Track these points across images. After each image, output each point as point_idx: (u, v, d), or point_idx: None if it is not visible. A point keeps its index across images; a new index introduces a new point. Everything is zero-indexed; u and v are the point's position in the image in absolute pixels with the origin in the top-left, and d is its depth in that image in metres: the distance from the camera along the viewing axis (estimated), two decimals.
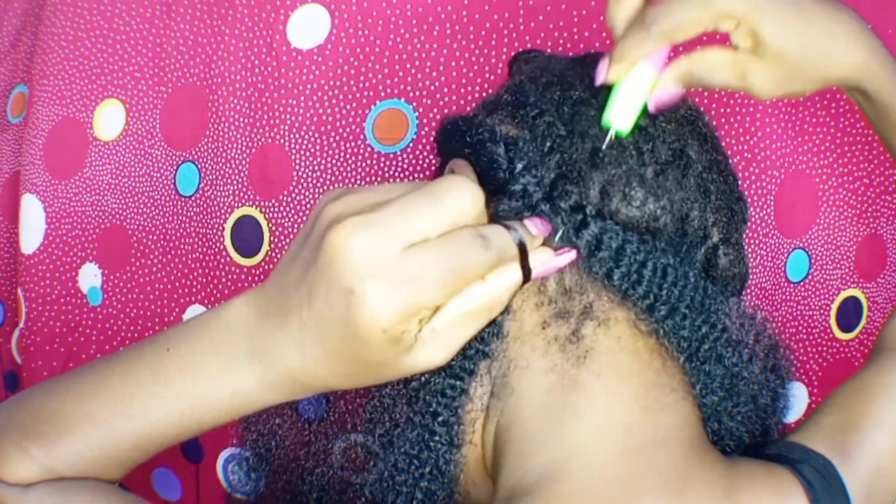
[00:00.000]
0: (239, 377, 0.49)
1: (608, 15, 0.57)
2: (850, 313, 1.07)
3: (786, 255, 1.04)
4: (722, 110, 1.01)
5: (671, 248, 0.56)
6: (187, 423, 0.51)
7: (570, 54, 0.65)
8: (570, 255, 0.53)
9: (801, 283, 1.05)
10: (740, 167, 1.02)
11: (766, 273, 1.04)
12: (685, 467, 0.53)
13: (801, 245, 1.04)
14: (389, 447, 0.56)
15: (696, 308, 0.55)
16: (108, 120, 1.08)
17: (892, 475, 0.58)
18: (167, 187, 1.07)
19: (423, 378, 0.56)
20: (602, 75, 0.55)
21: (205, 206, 1.04)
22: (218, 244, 1.03)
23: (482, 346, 0.55)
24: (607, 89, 0.56)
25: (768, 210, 1.03)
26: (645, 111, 0.55)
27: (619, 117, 0.55)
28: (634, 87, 0.55)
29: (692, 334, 0.55)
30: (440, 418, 0.55)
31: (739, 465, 0.55)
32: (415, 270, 0.44)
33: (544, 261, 0.52)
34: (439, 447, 0.55)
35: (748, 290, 1.03)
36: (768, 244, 1.03)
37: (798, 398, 1.07)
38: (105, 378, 0.52)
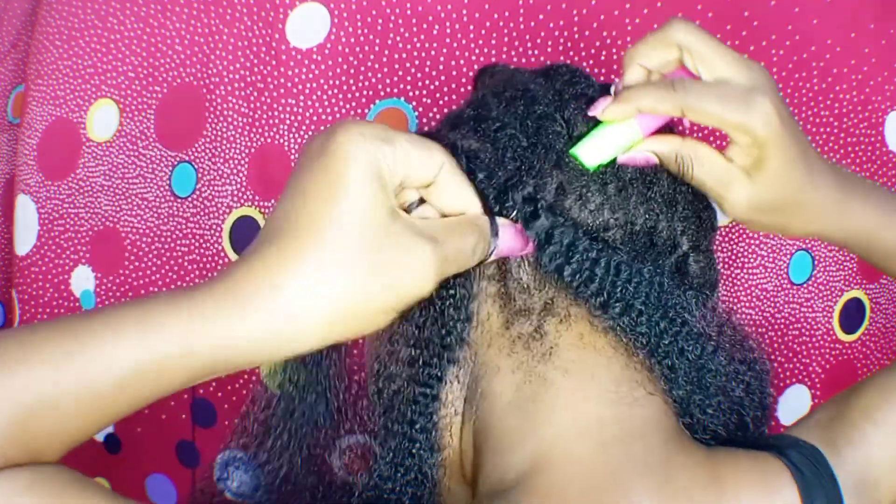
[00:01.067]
0: (210, 318, 0.44)
1: (635, 50, 0.56)
2: (852, 315, 1.07)
3: (788, 256, 1.04)
4: None
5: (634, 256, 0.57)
6: (147, 370, 0.44)
7: (568, 57, 0.65)
8: (524, 235, 0.54)
9: (804, 285, 1.05)
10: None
11: (768, 275, 1.04)
12: (666, 455, 0.53)
13: (803, 246, 1.04)
14: (373, 456, 0.57)
15: (652, 304, 0.55)
16: (102, 120, 1.07)
17: (881, 467, 0.58)
18: (162, 188, 1.06)
19: (394, 386, 0.56)
20: (599, 109, 0.56)
21: (202, 207, 1.03)
22: (216, 245, 1.03)
23: (447, 352, 0.55)
24: (580, 113, 0.58)
25: None
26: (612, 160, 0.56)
27: (589, 155, 0.55)
28: (615, 136, 0.55)
29: (650, 330, 0.55)
30: (417, 426, 0.55)
31: (718, 453, 0.56)
32: (389, 132, 0.46)
33: (509, 233, 0.53)
34: (421, 453, 0.55)
35: (751, 293, 1.03)
36: (770, 246, 1.03)
37: (800, 400, 1.07)
38: (58, 321, 0.46)
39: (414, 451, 0.55)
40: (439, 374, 0.56)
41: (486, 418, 0.56)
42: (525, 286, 0.56)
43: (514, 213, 0.54)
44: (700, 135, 0.60)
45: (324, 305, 0.44)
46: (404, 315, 0.53)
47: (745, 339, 0.60)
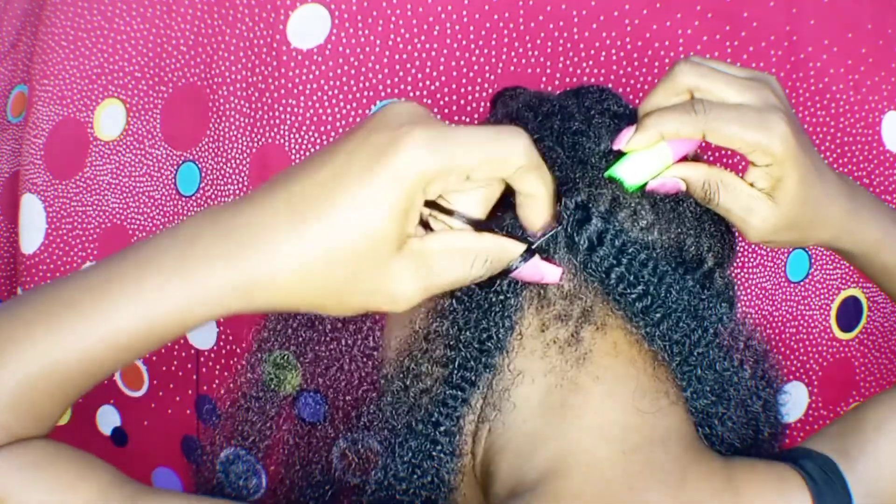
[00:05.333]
0: (206, 272, 0.47)
1: (648, 103, 0.56)
2: (850, 313, 1.07)
3: (786, 254, 1.04)
4: None
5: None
6: (141, 325, 0.47)
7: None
8: (555, 269, 0.54)
9: (802, 283, 1.05)
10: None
11: (766, 273, 1.04)
12: (683, 462, 0.54)
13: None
14: (390, 455, 0.56)
15: (691, 312, 0.56)
16: (109, 120, 1.08)
17: (891, 477, 0.59)
18: (168, 187, 1.07)
19: (423, 385, 0.57)
20: (623, 141, 0.55)
21: (205, 205, 1.04)
22: None
23: (486, 357, 0.55)
24: (604, 128, 0.57)
25: None
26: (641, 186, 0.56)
27: (625, 177, 0.55)
28: (648, 161, 0.55)
29: (685, 338, 0.56)
30: (442, 428, 0.55)
31: (736, 461, 0.56)
32: (460, 134, 0.46)
33: (531, 261, 0.52)
34: (441, 457, 0.55)
35: (749, 291, 1.03)
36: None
37: (798, 397, 1.07)
38: (54, 288, 0.49)
39: (434, 453, 0.55)
40: (473, 378, 0.55)
41: (508, 423, 0.56)
42: (566, 292, 0.56)
43: (564, 217, 0.54)
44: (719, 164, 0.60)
45: (306, 288, 0.47)
46: (444, 314, 0.55)
47: (766, 354, 0.60)
